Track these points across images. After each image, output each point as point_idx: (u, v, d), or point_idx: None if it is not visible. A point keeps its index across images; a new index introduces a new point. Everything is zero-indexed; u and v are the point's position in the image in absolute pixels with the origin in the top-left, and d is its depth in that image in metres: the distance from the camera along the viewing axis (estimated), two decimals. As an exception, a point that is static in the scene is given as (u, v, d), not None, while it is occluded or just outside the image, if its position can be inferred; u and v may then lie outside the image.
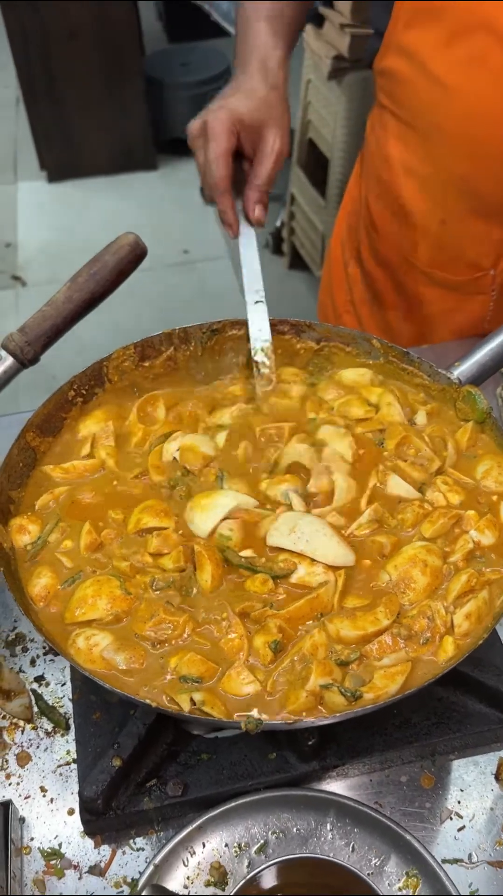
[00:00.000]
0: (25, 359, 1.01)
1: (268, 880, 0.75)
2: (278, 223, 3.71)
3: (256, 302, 1.10)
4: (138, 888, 0.78)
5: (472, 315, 1.38)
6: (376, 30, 2.35)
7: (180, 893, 0.78)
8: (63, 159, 4.30)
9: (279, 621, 0.82)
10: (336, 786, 0.87)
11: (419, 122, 1.23)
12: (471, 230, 1.27)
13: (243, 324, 1.12)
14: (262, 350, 1.08)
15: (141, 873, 0.79)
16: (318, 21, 2.89)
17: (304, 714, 0.77)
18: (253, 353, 1.09)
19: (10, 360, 1.01)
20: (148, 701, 0.76)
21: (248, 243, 1.13)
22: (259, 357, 1.08)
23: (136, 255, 1.05)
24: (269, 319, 1.11)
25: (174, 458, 1.00)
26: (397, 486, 0.95)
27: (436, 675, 0.77)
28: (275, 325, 1.12)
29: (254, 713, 0.77)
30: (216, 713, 0.76)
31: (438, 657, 0.81)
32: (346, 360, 1.12)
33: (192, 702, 0.76)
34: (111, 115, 4.20)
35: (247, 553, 0.88)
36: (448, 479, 0.96)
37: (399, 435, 1.00)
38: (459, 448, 1.01)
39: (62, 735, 0.91)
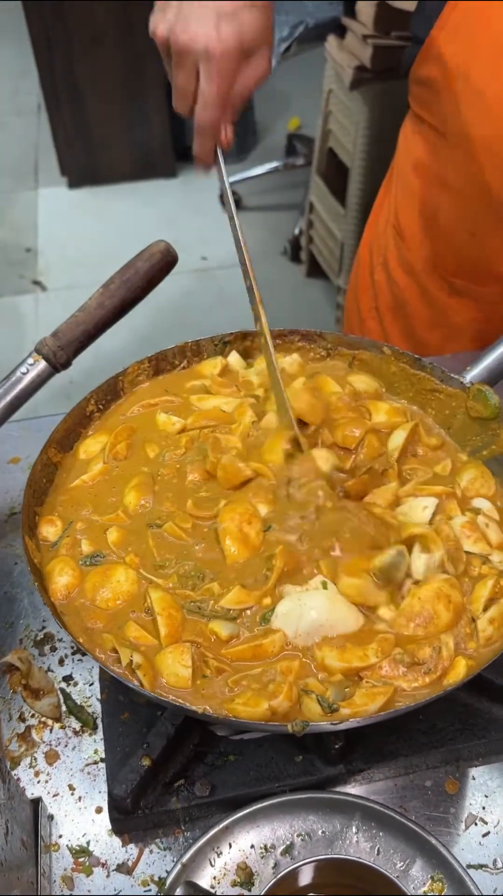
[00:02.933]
0: (58, 363, 1.03)
1: (297, 881, 0.76)
2: (296, 231, 3.73)
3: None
4: (166, 887, 0.79)
5: (499, 325, 1.39)
6: (415, 36, 2.35)
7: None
8: (84, 165, 4.34)
9: (220, 661, 0.83)
10: (361, 789, 0.87)
11: (453, 135, 1.24)
12: (500, 242, 1.27)
13: (255, 335, 1.15)
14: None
15: (168, 872, 0.80)
16: (341, 32, 2.91)
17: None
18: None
19: (43, 364, 1.02)
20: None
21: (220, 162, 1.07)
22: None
23: (167, 263, 1.07)
24: (280, 330, 1.14)
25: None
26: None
27: (432, 697, 0.78)
28: (285, 336, 1.15)
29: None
30: (145, 681, 0.79)
31: (447, 680, 0.81)
32: (359, 367, 1.14)
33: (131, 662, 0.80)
34: (132, 122, 4.24)
35: None
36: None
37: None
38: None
39: (90, 734, 0.93)
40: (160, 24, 0.98)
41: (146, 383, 1.12)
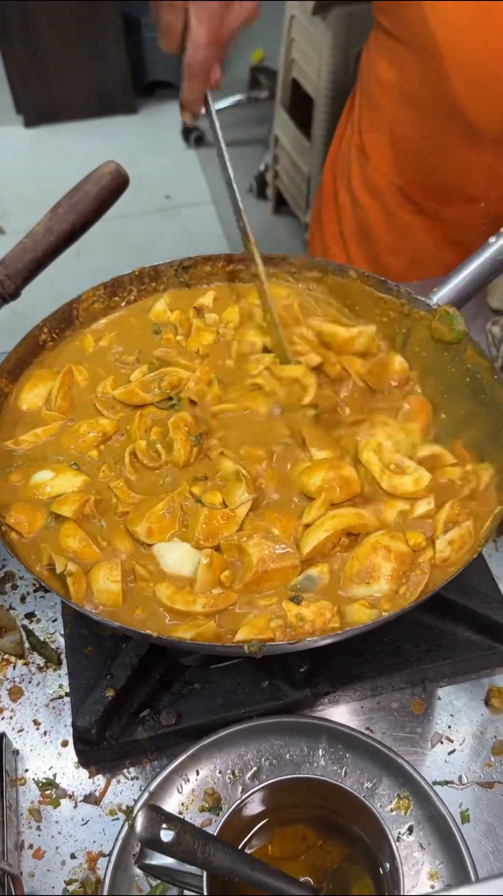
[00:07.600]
0: (6, 293, 0.99)
1: (263, 802, 0.75)
2: (262, 167, 3.63)
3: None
4: (133, 814, 0.78)
5: (463, 249, 1.35)
6: None
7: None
8: (40, 103, 4.17)
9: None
10: (328, 712, 0.88)
11: (417, 44, 1.20)
12: (463, 158, 1.24)
13: (216, 259, 1.12)
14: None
15: (136, 801, 0.80)
16: (302, -48, 2.79)
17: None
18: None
19: (-10, 295, 0.98)
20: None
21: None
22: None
23: (117, 185, 1.02)
24: (241, 255, 1.10)
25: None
26: None
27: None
28: (245, 261, 1.11)
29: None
30: (73, 589, 0.79)
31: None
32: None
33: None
34: (89, 57, 4.07)
35: None
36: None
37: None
38: None
39: (54, 670, 0.92)
40: None
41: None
